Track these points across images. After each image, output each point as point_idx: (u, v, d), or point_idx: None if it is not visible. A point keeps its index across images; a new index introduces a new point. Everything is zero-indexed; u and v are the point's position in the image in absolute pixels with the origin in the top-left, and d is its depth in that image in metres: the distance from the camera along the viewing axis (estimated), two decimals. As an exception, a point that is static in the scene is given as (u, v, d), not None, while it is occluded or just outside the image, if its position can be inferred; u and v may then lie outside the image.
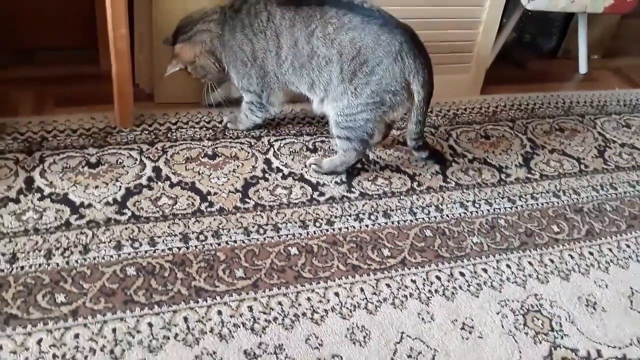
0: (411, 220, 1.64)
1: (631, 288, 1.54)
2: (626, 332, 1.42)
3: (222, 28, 1.71)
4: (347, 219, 1.61)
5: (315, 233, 1.54)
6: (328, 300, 1.37)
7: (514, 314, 1.41)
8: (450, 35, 2.09)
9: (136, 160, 1.68)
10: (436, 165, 1.85)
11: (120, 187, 1.58)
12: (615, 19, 2.73)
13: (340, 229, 1.57)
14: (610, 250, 1.65)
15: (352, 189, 1.72)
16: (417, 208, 1.68)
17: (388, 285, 1.43)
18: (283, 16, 1.63)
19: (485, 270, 1.52)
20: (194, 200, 1.58)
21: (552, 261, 1.57)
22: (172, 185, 1.61)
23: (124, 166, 1.65)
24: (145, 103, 1.92)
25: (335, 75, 1.63)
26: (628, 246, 1.68)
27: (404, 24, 1.65)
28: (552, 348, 1.34)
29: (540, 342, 1.35)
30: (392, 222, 1.62)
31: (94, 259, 1.37)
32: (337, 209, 1.63)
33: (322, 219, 1.59)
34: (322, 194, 1.68)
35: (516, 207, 1.74)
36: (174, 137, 1.78)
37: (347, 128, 1.67)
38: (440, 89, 2.04)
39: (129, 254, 1.40)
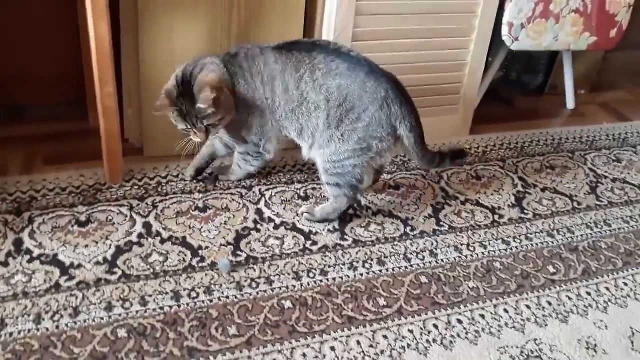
0: (406, 267, 1.62)
1: (631, 328, 1.52)
2: (629, 374, 1.39)
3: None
4: (341, 268, 1.59)
5: (309, 284, 1.52)
6: (324, 356, 1.34)
7: (513, 361, 1.39)
8: (437, 78, 2.11)
9: (126, 216, 1.66)
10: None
11: (110, 245, 1.56)
12: (600, 54, 2.76)
13: (334, 278, 1.55)
14: (607, 289, 1.63)
15: (345, 236, 1.70)
16: (411, 253, 1.67)
17: (385, 337, 1.41)
18: (276, 61, 1.64)
19: (482, 316, 1.49)
20: (185, 255, 1.56)
21: (549, 303, 1.56)
22: (162, 241, 1.59)
23: (114, 223, 1.63)
24: (134, 157, 1.91)
25: (322, 120, 1.63)
26: (625, 284, 1.66)
27: (388, 72, 1.66)
28: (555, 395, 1.32)
29: (542, 390, 1.33)
30: (387, 270, 1.61)
31: (84, 321, 1.35)
32: (330, 257, 1.62)
33: (315, 269, 1.57)
34: (314, 242, 1.66)
35: (510, 249, 1.73)
36: (164, 190, 1.77)
37: (336, 174, 1.67)
38: (429, 131, 2.04)
39: (120, 314, 1.37)
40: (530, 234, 1.80)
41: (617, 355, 1.44)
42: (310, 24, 1.96)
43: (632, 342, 1.48)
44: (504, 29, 2.19)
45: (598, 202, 2.00)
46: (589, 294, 1.61)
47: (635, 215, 1.95)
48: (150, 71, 1.83)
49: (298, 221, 1.73)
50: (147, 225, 1.64)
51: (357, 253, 1.65)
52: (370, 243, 1.69)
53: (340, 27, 1.87)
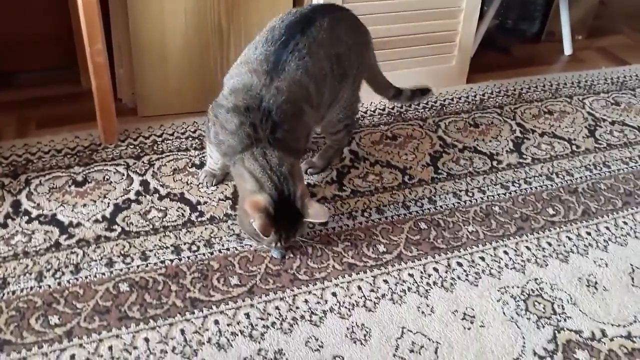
0: (405, 214, 1.62)
1: (631, 265, 1.52)
2: (629, 309, 1.40)
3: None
4: (341, 218, 1.59)
5: (308, 234, 1.52)
6: (326, 301, 1.35)
7: (514, 300, 1.39)
8: (432, 27, 2.08)
9: (123, 175, 1.66)
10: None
11: (108, 203, 1.56)
12: (596, -1, 2.72)
13: (334, 228, 1.56)
14: (607, 228, 1.63)
15: (344, 187, 1.70)
16: (410, 201, 1.66)
17: (385, 281, 1.42)
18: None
19: (482, 259, 1.50)
20: (184, 211, 1.56)
21: (549, 244, 1.56)
22: (161, 198, 1.59)
23: (111, 182, 1.63)
24: (129, 117, 1.90)
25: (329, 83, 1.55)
26: (625, 223, 1.66)
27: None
28: (556, 331, 1.33)
29: (544, 327, 1.33)
30: (386, 218, 1.61)
31: (86, 277, 1.35)
32: (330, 208, 1.62)
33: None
34: (314, 194, 1.66)
35: (510, 193, 1.72)
36: (160, 149, 1.77)
37: (346, 117, 1.67)
38: (425, 80, 2.03)
39: (121, 270, 1.38)
40: (530, 178, 1.79)
41: (618, 292, 1.44)
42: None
43: (632, 279, 1.48)
44: (498, -26, 2.16)
45: (597, 145, 1.99)
46: (589, 234, 1.61)
47: (635, 157, 1.94)
48: (140, 30, 1.81)
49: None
50: (144, 183, 1.63)
51: (355, 203, 1.65)
52: (369, 193, 1.69)
53: (331, -24, 1.84)
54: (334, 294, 1.37)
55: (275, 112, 1.36)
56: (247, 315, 1.30)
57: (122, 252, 1.42)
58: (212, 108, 1.46)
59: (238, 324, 1.28)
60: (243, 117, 1.36)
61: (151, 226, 1.50)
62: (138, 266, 1.39)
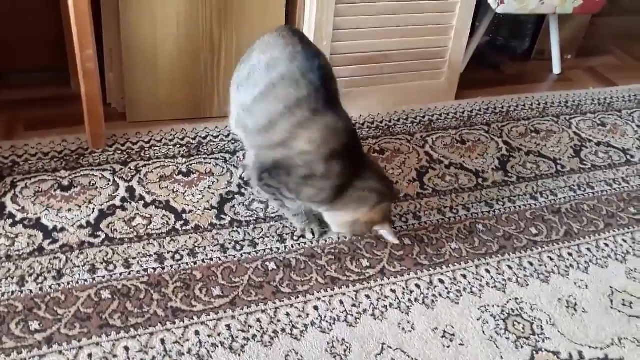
0: (389, 229, 1.63)
1: (611, 287, 1.54)
2: (607, 332, 1.41)
3: None
4: (326, 231, 1.60)
5: (293, 247, 1.53)
6: (307, 315, 1.36)
7: (494, 319, 1.40)
8: (422, 42, 2.10)
9: (109, 181, 1.66)
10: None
11: (93, 209, 1.56)
12: (587, 19, 2.75)
13: (318, 241, 1.56)
14: (589, 250, 1.65)
15: (330, 200, 1.71)
16: (395, 216, 1.67)
17: (368, 297, 1.42)
18: None
19: (464, 276, 1.51)
20: (169, 219, 1.56)
21: (531, 264, 1.57)
22: (146, 205, 1.59)
23: (97, 188, 1.63)
24: (118, 122, 1.90)
25: None
26: (607, 245, 1.68)
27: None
28: (534, 352, 1.34)
29: (522, 347, 1.34)
30: (371, 233, 1.61)
31: (68, 283, 1.35)
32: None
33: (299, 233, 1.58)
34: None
35: (494, 211, 1.74)
36: (147, 155, 1.77)
37: None
38: (415, 95, 2.05)
39: (104, 277, 1.38)
40: (514, 196, 1.81)
41: (597, 314, 1.46)
42: (294, -13, 1.94)
43: (611, 301, 1.50)
44: (490, -8, 2.18)
45: (582, 166, 2.01)
46: (570, 254, 1.63)
47: (619, 179, 1.97)
48: (132, 36, 1.81)
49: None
50: (130, 190, 1.63)
51: (341, 216, 1.65)
52: (355, 206, 1.69)
53: (324, -10, 1.85)
54: (315, 308, 1.38)
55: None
56: (228, 327, 1.30)
57: (106, 259, 1.42)
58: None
59: (219, 335, 1.28)
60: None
61: (135, 233, 1.50)
62: (121, 274, 1.39)
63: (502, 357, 1.32)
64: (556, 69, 2.65)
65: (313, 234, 1.56)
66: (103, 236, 1.49)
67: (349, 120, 1.45)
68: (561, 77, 2.65)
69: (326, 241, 1.56)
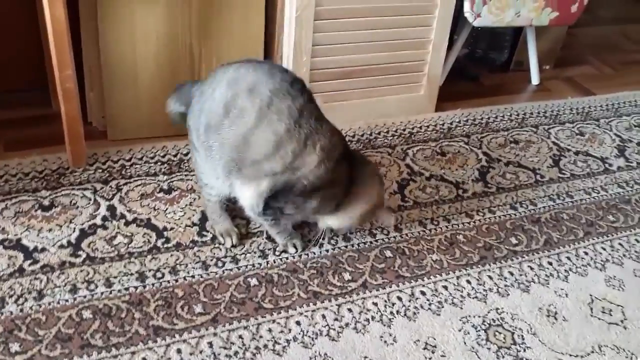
0: (371, 242, 1.64)
1: (591, 295, 1.56)
2: (587, 340, 1.43)
3: None
4: (307, 245, 1.60)
5: (275, 262, 1.54)
6: (290, 330, 1.36)
7: (475, 330, 1.41)
8: (401, 57, 2.12)
9: (90, 200, 1.66)
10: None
11: (74, 228, 1.56)
12: (564, 30, 2.79)
13: (300, 256, 1.57)
14: (568, 258, 1.67)
15: (311, 214, 1.72)
16: (376, 229, 1.68)
17: (350, 310, 1.43)
18: None
19: (445, 288, 1.52)
20: (150, 237, 1.56)
21: (511, 274, 1.59)
22: (127, 224, 1.59)
23: (78, 207, 1.63)
24: (99, 141, 1.90)
25: None
26: (586, 253, 1.70)
27: None
28: (515, 361, 1.35)
29: (503, 357, 1.36)
30: (352, 245, 1.62)
31: (49, 304, 1.35)
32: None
33: (281, 247, 1.58)
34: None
35: (474, 222, 1.75)
36: (128, 173, 1.77)
37: None
38: (395, 108, 2.07)
39: (85, 296, 1.38)
40: (494, 207, 1.83)
41: (577, 322, 1.47)
42: (273, 2, 1.96)
43: (591, 309, 1.52)
44: (466, 6, 2.21)
45: (561, 175, 2.03)
46: (550, 263, 1.64)
47: (597, 187, 1.99)
48: (111, 54, 1.82)
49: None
50: (111, 208, 1.63)
51: (322, 231, 1.66)
52: (337, 220, 1.70)
53: (302, 6, 1.86)
54: (298, 323, 1.38)
55: None
56: (210, 345, 1.30)
57: (87, 279, 1.42)
58: None
59: (200, 352, 1.28)
60: None
61: (116, 252, 1.50)
62: (102, 293, 1.39)
63: (483, 367, 1.33)
64: (534, 79, 2.69)
65: (296, 249, 1.57)
66: (84, 256, 1.48)
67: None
68: (540, 88, 2.68)
69: (308, 255, 1.57)
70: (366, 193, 1.49)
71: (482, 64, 2.80)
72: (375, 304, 1.45)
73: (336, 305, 1.44)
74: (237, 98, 1.34)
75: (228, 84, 1.36)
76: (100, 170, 1.76)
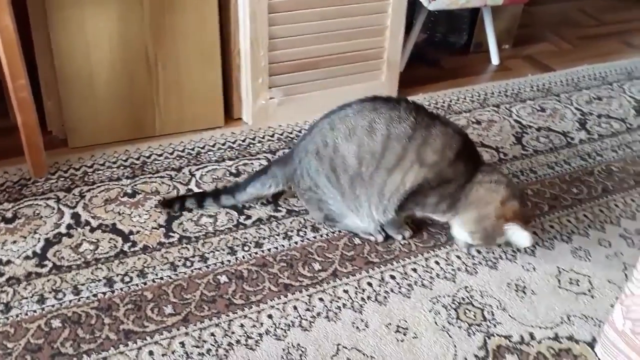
0: (340, 231, 1.65)
1: (558, 267, 1.58)
2: (556, 311, 1.45)
3: None
4: (276, 239, 1.60)
5: (244, 258, 1.54)
6: (262, 324, 1.36)
7: (446, 310, 1.43)
8: (359, 45, 2.13)
9: (54, 209, 1.64)
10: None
11: (39, 239, 1.54)
12: (520, 8, 2.82)
13: (269, 249, 1.57)
14: (535, 233, 1.69)
15: (279, 207, 1.72)
16: (344, 218, 1.69)
17: (321, 299, 1.44)
18: None
19: (415, 270, 1.54)
20: (116, 242, 1.55)
21: (479, 252, 1.61)
22: (92, 230, 1.58)
23: (42, 217, 1.61)
24: (60, 149, 1.89)
25: None
26: (552, 227, 1.72)
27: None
28: (486, 337, 1.37)
29: (474, 334, 1.37)
30: (321, 235, 1.63)
31: (17, 316, 1.33)
32: (265, 230, 1.63)
33: (250, 243, 1.58)
34: (248, 217, 1.67)
35: (441, 204, 1.77)
36: (91, 180, 1.75)
37: None
38: (356, 97, 2.06)
39: (53, 306, 1.36)
40: (459, 188, 1.85)
41: (545, 295, 1.50)
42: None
43: (559, 281, 1.54)
44: (421, -9, 2.22)
45: (524, 152, 2.06)
46: (517, 239, 1.66)
47: (560, 161, 2.02)
48: (65, 62, 1.80)
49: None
50: (75, 216, 1.62)
51: (291, 223, 1.66)
52: (305, 212, 1.71)
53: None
54: (269, 316, 1.38)
55: None
56: (182, 344, 1.30)
57: (54, 288, 1.41)
58: None
59: (173, 353, 1.28)
60: None
61: (83, 259, 1.49)
62: (70, 301, 1.38)
63: (455, 345, 1.34)
64: (494, 59, 2.71)
65: (404, 237, 1.64)
66: (50, 265, 1.47)
67: (453, 123, 1.54)
68: (500, 68, 2.71)
69: (277, 249, 1.57)
70: (481, 200, 1.48)
71: (442, 48, 2.82)
72: (346, 292, 1.46)
73: (307, 295, 1.45)
74: (362, 147, 1.47)
75: (345, 138, 1.49)
76: (63, 179, 1.75)
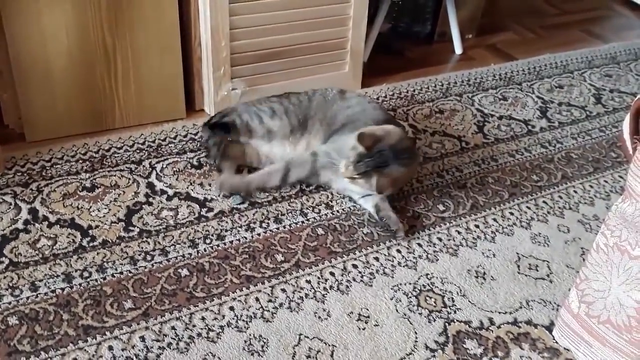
0: (303, 222, 1.65)
1: (517, 253, 1.60)
2: (516, 296, 1.47)
3: None
4: (238, 231, 1.60)
5: (205, 250, 1.53)
6: (223, 316, 1.36)
7: (407, 297, 1.44)
8: (321, 35, 2.12)
9: (10, 205, 1.61)
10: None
11: (-5, 235, 1.51)
12: (482, -3, 2.84)
13: (231, 242, 1.56)
14: (495, 220, 1.71)
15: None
16: (307, 208, 1.69)
17: (283, 290, 1.44)
18: None
19: (377, 259, 1.54)
20: (75, 237, 1.53)
21: (440, 239, 1.62)
22: (50, 225, 1.55)
23: (-2, 213, 1.58)
24: (17, 144, 1.85)
25: None
26: (512, 214, 1.75)
27: None
28: (446, 324, 1.38)
29: (435, 320, 1.39)
30: (284, 227, 1.63)
31: (-28, 314, 1.31)
32: (227, 222, 1.62)
33: (212, 235, 1.57)
34: (210, 209, 1.66)
35: (402, 193, 1.78)
36: (49, 174, 1.72)
37: None
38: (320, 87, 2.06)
39: (10, 303, 1.34)
40: (421, 176, 1.86)
41: (505, 280, 1.52)
42: (186, -11, 1.93)
43: (518, 267, 1.56)
44: (382, -20, 2.22)
45: (485, 140, 2.08)
46: (477, 226, 1.68)
47: (521, 149, 2.05)
48: (21, 53, 1.76)
49: (192, 190, 1.72)
50: (33, 211, 1.59)
51: (254, 214, 1.66)
52: (267, 203, 1.70)
53: (214, -10, 1.84)
54: (231, 308, 1.38)
55: None
56: (142, 339, 1.29)
57: (11, 285, 1.38)
58: None
59: (133, 347, 1.27)
60: None
61: (41, 255, 1.47)
62: (27, 297, 1.36)
63: (416, 332, 1.36)
64: (458, 49, 2.73)
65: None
66: (7, 262, 1.44)
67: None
68: (463, 57, 2.73)
69: (240, 241, 1.57)
70: None
71: (406, 38, 2.83)
72: (309, 282, 1.46)
73: (269, 287, 1.44)
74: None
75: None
76: (20, 174, 1.71)
